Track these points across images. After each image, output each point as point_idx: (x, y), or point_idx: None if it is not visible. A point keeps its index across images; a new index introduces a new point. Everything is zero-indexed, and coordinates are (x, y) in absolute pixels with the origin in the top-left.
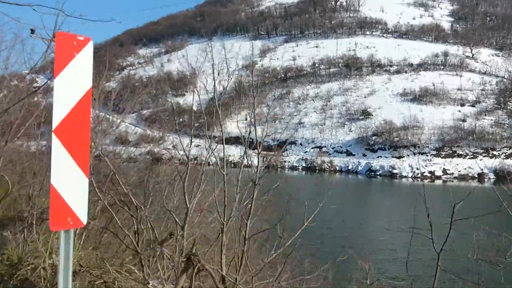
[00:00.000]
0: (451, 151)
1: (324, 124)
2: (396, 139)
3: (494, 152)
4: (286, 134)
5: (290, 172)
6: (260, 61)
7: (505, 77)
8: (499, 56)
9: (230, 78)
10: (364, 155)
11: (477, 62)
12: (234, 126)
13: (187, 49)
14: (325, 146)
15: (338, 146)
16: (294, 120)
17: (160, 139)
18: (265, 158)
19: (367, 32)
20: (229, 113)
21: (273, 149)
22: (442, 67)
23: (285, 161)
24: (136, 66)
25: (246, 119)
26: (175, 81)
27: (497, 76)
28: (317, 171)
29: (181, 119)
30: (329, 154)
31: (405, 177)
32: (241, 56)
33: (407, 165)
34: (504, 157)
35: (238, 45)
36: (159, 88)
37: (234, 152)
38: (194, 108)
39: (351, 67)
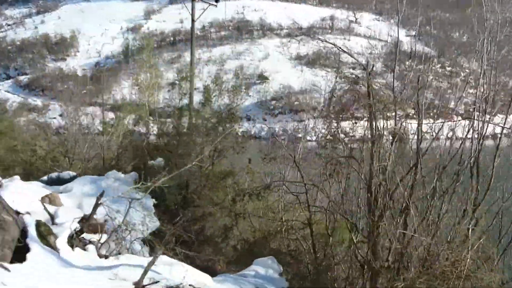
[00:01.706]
0: (350, 114)
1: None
2: (296, 103)
3: (388, 114)
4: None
5: None
6: (146, 23)
7: (388, 41)
8: (379, 20)
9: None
10: (265, 119)
11: (360, 26)
12: (125, 92)
13: (62, 9)
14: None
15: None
16: (189, 85)
17: (43, 108)
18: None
19: None
20: (118, 79)
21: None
22: (330, 31)
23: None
24: (6, 28)
25: (137, 85)
26: (53, 44)
27: (380, 40)
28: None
29: (65, 86)
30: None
31: (310, 140)
32: (124, 18)
33: (310, 128)
34: (398, 119)
35: (118, 6)
36: (36, 52)
37: (130, 120)
38: (79, 73)
39: (242, 30)
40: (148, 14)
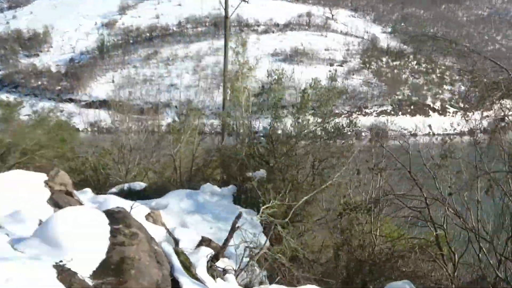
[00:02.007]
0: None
1: (199, 86)
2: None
3: (367, 110)
4: (160, 96)
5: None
6: (120, 19)
7: (364, 37)
8: (355, 17)
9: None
10: (243, 116)
11: (337, 23)
12: (101, 89)
13: (34, 4)
14: (202, 108)
15: (215, 108)
16: (166, 82)
17: (17, 105)
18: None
19: None
20: (93, 75)
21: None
22: (307, 28)
23: (162, 125)
24: None
25: (113, 81)
26: (26, 40)
27: (357, 37)
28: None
29: (39, 82)
30: (206, 116)
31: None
32: (98, 13)
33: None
34: (376, 115)
35: (92, 1)
36: (8, 48)
37: (106, 117)
38: (53, 69)
39: (219, 26)
40: (122, 10)
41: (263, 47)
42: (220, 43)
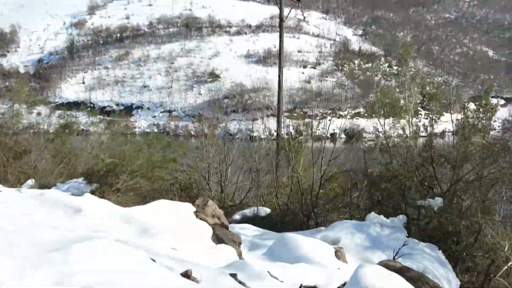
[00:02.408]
0: (302, 112)
1: (171, 87)
2: (248, 101)
3: (341, 112)
4: (132, 97)
5: (142, 139)
6: (90, 19)
7: (336, 40)
8: (326, 19)
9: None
10: (217, 118)
11: (309, 25)
12: (71, 90)
13: (0, 3)
14: (175, 110)
15: (189, 110)
16: (138, 83)
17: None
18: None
19: None
20: (63, 76)
21: (118, 114)
22: (278, 29)
23: (135, 127)
24: None
25: (83, 82)
26: None
27: (329, 39)
28: (171, 136)
29: (6, 83)
30: (181, 118)
31: (264, 139)
32: (66, 13)
33: (265, 128)
34: (350, 117)
35: (61, 0)
36: None
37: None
38: (21, 70)
39: (191, 27)
40: (92, 9)
41: (236, 48)
42: (192, 44)
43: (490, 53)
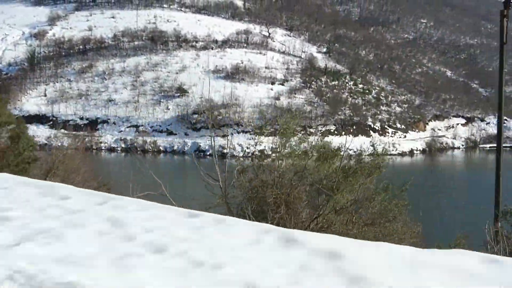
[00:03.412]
0: (273, 129)
1: (138, 102)
2: (219, 117)
3: (311, 130)
4: (96, 111)
5: (108, 154)
6: (51, 30)
7: (302, 57)
8: (290, 36)
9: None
10: (186, 134)
11: (274, 41)
12: (32, 103)
13: None
14: (142, 125)
15: (157, 125)
16: (103, 97)
17: None
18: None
19: (165, 5)
20: (23, 88)
21: (83, 128)
22: (245, 45)
23: (101, 142)
24: None
25: (45, 95)
26: None
27: (295, 56)
28: (139, 152)
29: None
30: (148, 133)
31: (236, 156)
32: (25, 23)
33: (236, 144)
34: (320, 134)
35: (19, 10)
36: None
37: (38, 133)
38: None
39: (157, 41)
40: (52, 20)
41: (202, 63)
42: (158, 58)
43: (449, 73)
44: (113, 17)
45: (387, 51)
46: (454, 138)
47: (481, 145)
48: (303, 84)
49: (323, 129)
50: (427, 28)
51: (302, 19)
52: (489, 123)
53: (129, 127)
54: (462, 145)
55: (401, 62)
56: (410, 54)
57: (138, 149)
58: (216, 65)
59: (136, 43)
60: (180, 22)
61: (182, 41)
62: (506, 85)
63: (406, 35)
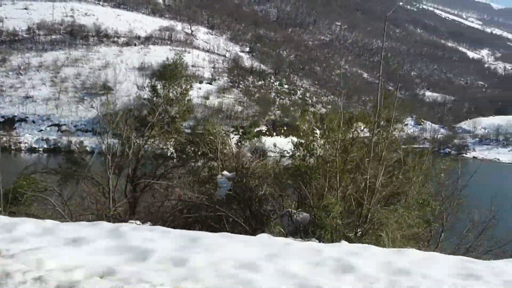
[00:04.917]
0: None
1: (59, 99)
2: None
3: (243, 130)
4: (13, 109)
5: (29, 155)
6: None
7: (226, 56)
8: (212, 34)
9: None
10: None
11: (197, 39)
12: None
13: None
14: (65, 124)
15: (81, 124)
16: (20, 93)
17: None
18: None
19: None
20: None
21: None
22: (169, 42)
23: (20, 142)
24: None
25: None
26: None
27: (219, 55)
28: (63, 152)
29: None
30: (72, 133)
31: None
32: None
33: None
34: (253, 136)
35: None
36: None
37: None
38: None
39: (76, 35)
40: None
41: (127, 60)
42: (78, 53)
43: (365, 75)
44: (25, 8)
45: (306, 52)
46: None
47: None
48: (231, 84)
49: (255, 129)
50: (342, 30)
51: (222, 18)
52: (407, 124)
53: (51, 126)
54: None
55: (321, 64)
56: (328, 55)
57: (63, 149)
58: (142, 62)
59: (53, 36)
60: (99, 16)
61: (103, 36)
62: (418, 88)
63: (323, 37)
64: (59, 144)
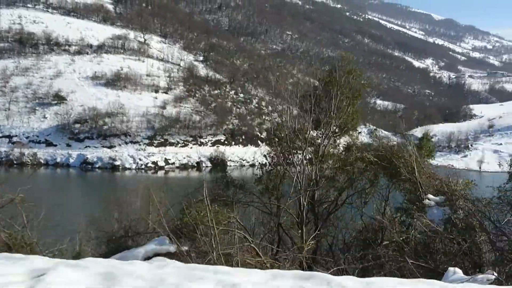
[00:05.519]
0: (163, 140)
1: (9, 109)
2: (105, 127)
3: (202, 140)
4: None
5: None
6: None
7: (181, 65)
8: (166, 43)
9: None
10: (69, 145)
11: (151, 48)
12: None
13: None
14: (16, 135)
15: (33, 135)
16: None
17: None
18: None
19: (29, 5)
20: None
21: None
22: (123, 51)
23: None
24: None
25: None
26: None
27: (173, 64)
28: (15, 165)
29: None
30: (24, 144)
31: (129, 169)
32: None
33: (128, 156)
34: (211, 145)
35: None
36: None
37: None
38: None
39: (25, 43)
40: None
41: (79, 69)
42: (28, 62)
43: (317, 83)
44: None
45: (259, 61)
46: None
47: None
48: (187, 93)
49: (213, 139)
50: (293, 40)
51: (175, 26)
52: (360, 132)
53: (1, 137)
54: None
55: (274, 72)
56: (281, 64)
57: (15, 161)
58: (95, 72)
59: (1, 44)
60: (48, 23)
61: (53, 45)
62: (369, 96)
63: (274, 46)
64: (11, 156)
